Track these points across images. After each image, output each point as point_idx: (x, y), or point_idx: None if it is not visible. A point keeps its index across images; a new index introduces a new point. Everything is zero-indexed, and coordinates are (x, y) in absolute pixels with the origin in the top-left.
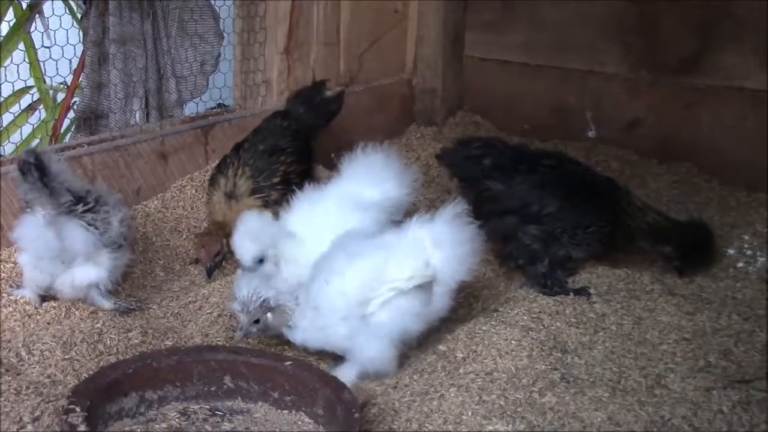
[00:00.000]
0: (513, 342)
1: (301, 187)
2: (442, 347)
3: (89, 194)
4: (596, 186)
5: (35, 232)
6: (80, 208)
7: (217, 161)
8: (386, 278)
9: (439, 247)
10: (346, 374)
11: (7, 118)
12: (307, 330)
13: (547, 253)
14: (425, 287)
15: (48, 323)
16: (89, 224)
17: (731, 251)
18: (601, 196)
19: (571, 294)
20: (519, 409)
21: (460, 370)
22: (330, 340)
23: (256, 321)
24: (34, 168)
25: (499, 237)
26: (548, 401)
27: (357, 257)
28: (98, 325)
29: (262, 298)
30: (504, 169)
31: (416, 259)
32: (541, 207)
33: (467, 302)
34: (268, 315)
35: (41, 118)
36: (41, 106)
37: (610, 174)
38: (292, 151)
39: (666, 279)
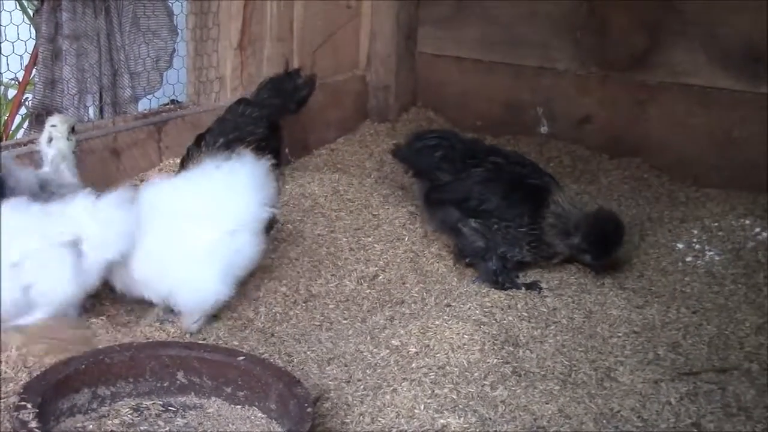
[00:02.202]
0: (465, 336)
1: None
2: (395, 342)
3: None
4: (534, 189)
5: None
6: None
7: (170, 158)
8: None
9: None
10: None
11: None
12: None
13: (493, 249)
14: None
15: None
16: None
17: (680, 245)
18: (536, 199)
19: (523, 289)
20: (471, 403)
21: (413, 365)
22: None
23: None
24: None
25: (446, 228)
26: (500, 395)
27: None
28: (50, 322)
29: None
30: (453, 161)
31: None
32: (479, 202)
33: (420, 297)
34: None
35: None
36: None
37: (555, 176)
38: (256, 138)
39: (617, 273)
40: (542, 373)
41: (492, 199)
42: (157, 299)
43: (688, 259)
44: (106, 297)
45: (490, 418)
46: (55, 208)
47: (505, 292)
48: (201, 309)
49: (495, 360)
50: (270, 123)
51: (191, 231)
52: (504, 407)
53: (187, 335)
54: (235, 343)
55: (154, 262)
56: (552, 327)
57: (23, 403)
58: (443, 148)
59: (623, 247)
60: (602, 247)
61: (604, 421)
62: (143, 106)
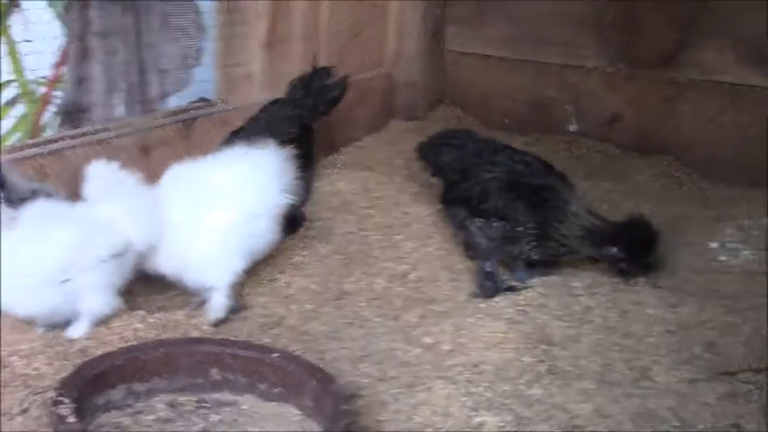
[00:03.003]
0: (499, 334)
1: (299, 176)
2: (428, 340)
3: (34, 194)
4: (534, 188)
5: None
6: None
7: (199, 155)
8: (91, 248)
9: (128, 218)
10: (80, 329)
11: None
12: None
13: (495, 249)
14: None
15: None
16: None
17: (714, 244)
18: (536, 198)
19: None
20: (506, 401)
21: (447, 363)
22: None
23: None
24: None
25: (456, 226)
26: (535, 393)
27: (60, 228)
28: None
29: None
30: (462, 161)
31: (114, 231)
32: (478, 201)
33: (452, 295)
34: None
35: (23, 112)
36: (22, 100)
37: (581, 174)
38: (288, 139)
39: (650, 272)
40: (577, 372)
41: (489, 199)
42: (172, 274)
43: (722, 258)
44: (139, 293)
45: (526, 417)
46: (86, 213)
47: (538, 291)
48: (214, 285)
49: (529, 359)
50: (302, 124)
51: (211, 210)
52: (540, 406)
53: (213, 326)
54: (268, 340)
55: (173, 237)
56: (586, 326)
57: (60, 398)
58: (454, 148)
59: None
60: (641, 255)
61: (641, 421)
62: (172, 103)
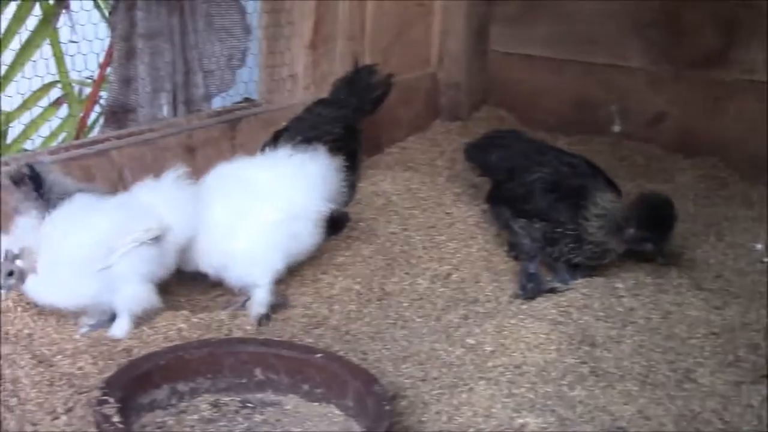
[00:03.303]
0: (541, 335)
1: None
2: (470, 341)
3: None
4: (573, 189)
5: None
6: None
7: (244, 155)
8: (128, 231)
9: (167, 206)
10: (122, 327)
11: (36, 112)
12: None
13: (537, 250)
14: (159, 239)
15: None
16: None
17: (759, 246)
18: (575, 200)
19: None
20: (549, 403)
21: (489, 364)
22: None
23: (10, 273)
24: (29, 179)
25: (502, 226)
26: (578, 394)
27: (97, 214)
28: None
29: (4, 250)
30: (511, 160)
31: (152, 215)
32: (522, 202)
33: (494, 296)
34: (18, 262)
35: (68, 113)
36: (68, 101)
37: (625, 175)
38: (331, 139)
39: (694, 273)
40: (620, 373)
41: (532, 199)
42: (215, 272)
43: (767, 259)
44: (183, 294)
45: (569, 418)
46: (126, 201)
47: (581, 292)
48: (256, 281)
49: (572, 360)
50: (347, 124)
51: (253, 209)
52: (582, 407)
53: (257, 322)
54: (310, 340)
55: (215, 235)
56: (629, 327)
57: (105, 397)
58: (501, 148)
59: (677, 223)
60: (660, 228)
61: (685, 423)
62: (217, 104)
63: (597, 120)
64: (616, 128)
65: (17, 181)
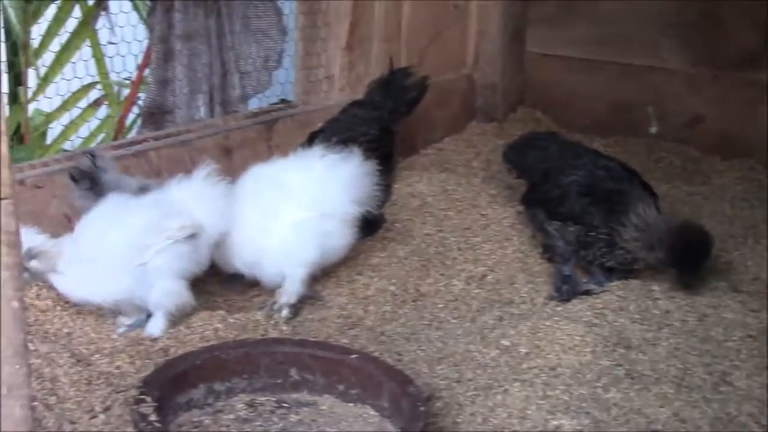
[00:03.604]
0: (577, 338)
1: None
2: (505, 342)
3: (141, 191)
4: (609, 194)
5: None
6: None
7: (280, 156)
8: (162, 229)
9: (199, 203)
10: (158, 324)
11: (75, 113)
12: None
13: (571, 253)
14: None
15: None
16: None
17: None
18: (610, 205)
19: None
20: (583, 405)
21: (524, 365)
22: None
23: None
24: (87, 177)
25: (536, 228)
26: (613, 397)
27: (131, 212)
28: None
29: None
30: (547, 162)
31: (185, 213)
32: (556, 204)
33: (529, 297)
34: (33, 262)
35: (107, 114)
36: (107, 102)
37: (661, 178)
38: (367, 140)
39: (731, 276)
40: (656, 376)
41: (566, 202)
42: (249, 269)
43: None
44: (220, 294)
45: (604, 421)
46: (159, 198)
47: (617, 294)
48: (288, 273)
49: (607, 362)
50: (382, 126)
51: (285, 208)
52: (617, 410)
53: (286, 315)
54: (346, 341)
55: (248, 233)
56: (665, 330)
57: (142, 396)
58: (538, 150)
59: (711, 261)
60: (688, 262)
61: (721, 426)
62: (253, 105)
63: (633, 121)
64: (653, 130)
65: (75, 177)
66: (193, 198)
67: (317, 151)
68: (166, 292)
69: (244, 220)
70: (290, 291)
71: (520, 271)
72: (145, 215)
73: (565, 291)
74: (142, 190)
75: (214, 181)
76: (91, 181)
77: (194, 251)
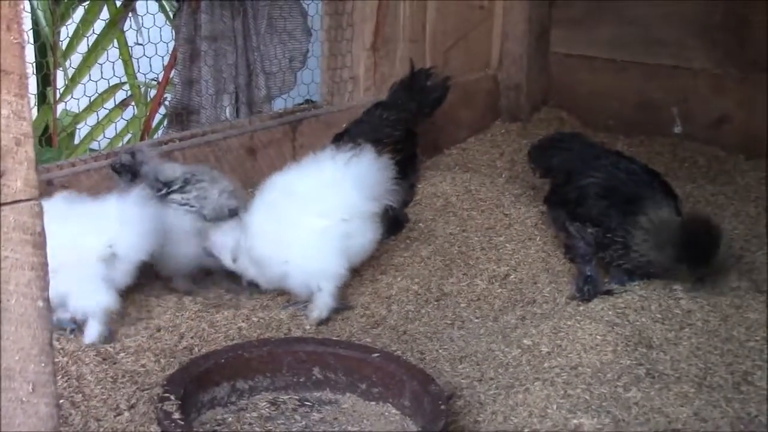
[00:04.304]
0: (598, 337)
1: (401, 177)
2: (526, 341)
3: (178, 178)
4: (625, 197)
5: None
6: (165, 191)
7: (305, 157)
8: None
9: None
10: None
11: (102, 113)
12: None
13: (592, 254)
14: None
15: (138, 319)
16: (181, 204)
17: None
18: (626, 207)
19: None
20: (604, 404)
21: (545, 365)
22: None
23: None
24: (127, 171)
25: (558, 228)
26: (633, 396)
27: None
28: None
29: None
30: (569, 163)
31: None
32: (575, 205)
33: (552, 297)
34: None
35: (134, 114)
36: (134, 102)
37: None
38: (391, 142)
39: (754, 276)
40: (676, 375)
41: (585, 204)
42: (271, 286)
43: None
44: (241, 292)
45: (624, 420)
46: (92, 209)
47: (639, 294)
48: (320, 286)
49: (628, 361)
50: (406, 127)
51: (306, 217)
52: (638, 409)
53: (315, 325)
54: (368, 340)
55: (271, 245)
56: (686, 329)
57: (166, 394)
58: (561, 150)
59: (721, 254)
60: (696, 256)
61: (741, 426)
62: (278, 105)
63: (658, 121)
64: (678, 129)
65: (117, 170)
66: (119, 220)
67: (328, 152)
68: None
69: (263, 235)
70: (321, 306)
71: (543, 270)
72: (68, 227)
73: (587, 291)
74: (187, 181)
75: (145, 202)
76: (132, 174)
77: (109, 272)
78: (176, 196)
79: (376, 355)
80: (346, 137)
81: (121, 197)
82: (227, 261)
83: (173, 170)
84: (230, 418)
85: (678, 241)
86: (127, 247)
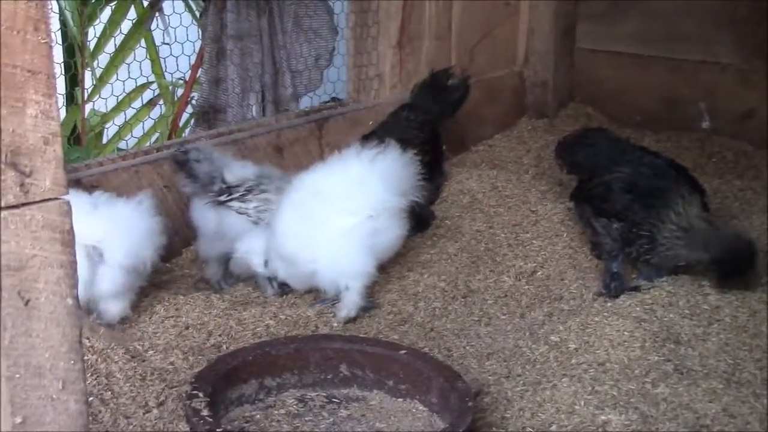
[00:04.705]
0: (626, 333)
1: (428, 178)
2: (554, 338)
3: (242, 185)
4: (650, 191)
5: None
6: (224, 198)
7: (331, 155)
8: None
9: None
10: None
11: (130, 113)
12: None
13: (618, 249)
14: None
15: (166, 317)
16: (238, 212)
17: None
18: (651, 202)
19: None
20: (632, 400)
21: (573, 361)
22: None
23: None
24: (180, 166)
25: (584, 224)
26: (661, 392)
27: None
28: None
29: None
30: (595, 159)
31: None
32: (600, 200)
33: (579, 293)
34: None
35: (161, 113)
36: (161, 101)
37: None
38: (419, 143)
39: None
40: (705, 371)
41: (610, 199)
42: (302, 283)
43: None
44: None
45: (652, 416)
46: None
47: (666, 290)
48: (349, 285)
49: (656, 357)
50: (432, 128)
51: (333, 215)
52: (666, 405)
53: (343, 324)
54: (395, 337)
55: (299, 244)
56: (715, 325)
57: (195, 391)
58: (587, 146)
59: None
60: (733, 274)
61: None
62: (305, 103)
63: (685, 117)
64: (705, 124)
65: (177, 165)
66: (109, 221)
67: (353, 150)
68: None
69: (290, 234)
70: (349, 305)
71: (570, 267)
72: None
73: (614, 287)
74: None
75: (141, 211)
76: (186, 172)
77: (98, 276)
78: (235, 204)
79: (403, 352)
80: (372, 139)
81: (128, 201)
82: (258, 266)
83: (244, 170)
84: (258, 415)
85: (717, 258)
86: (113, 249)
